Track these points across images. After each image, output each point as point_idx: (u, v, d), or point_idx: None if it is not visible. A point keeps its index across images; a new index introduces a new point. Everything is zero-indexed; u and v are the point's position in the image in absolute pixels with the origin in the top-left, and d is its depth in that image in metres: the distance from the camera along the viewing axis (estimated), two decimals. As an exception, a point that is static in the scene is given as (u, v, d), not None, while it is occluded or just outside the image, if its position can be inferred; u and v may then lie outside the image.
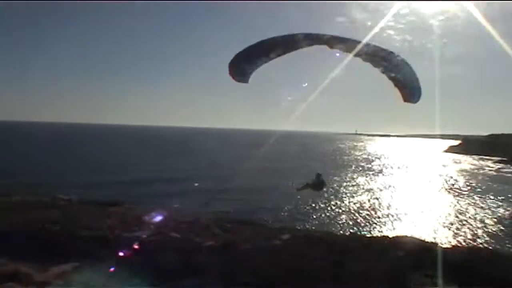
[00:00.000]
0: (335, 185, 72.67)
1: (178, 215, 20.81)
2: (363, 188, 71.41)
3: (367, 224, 46.51)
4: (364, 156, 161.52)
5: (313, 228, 39.71)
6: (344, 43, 12.04)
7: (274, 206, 50.10)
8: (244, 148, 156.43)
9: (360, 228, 44.09)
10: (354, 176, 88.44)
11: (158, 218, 18.12)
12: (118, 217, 17.98)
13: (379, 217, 49.31)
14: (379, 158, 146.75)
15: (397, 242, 15.14)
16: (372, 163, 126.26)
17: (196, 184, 58.38)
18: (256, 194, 56.88)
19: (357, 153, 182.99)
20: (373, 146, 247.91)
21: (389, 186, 75.45)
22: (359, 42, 12.06)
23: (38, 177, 60.22)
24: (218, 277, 13.42)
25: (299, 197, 56.26)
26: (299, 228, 21.57)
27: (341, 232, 38.58)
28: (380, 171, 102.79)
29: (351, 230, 41.97)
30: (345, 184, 75.59)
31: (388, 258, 13.65)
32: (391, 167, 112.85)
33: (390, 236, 18.55)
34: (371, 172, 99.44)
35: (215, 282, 13.23)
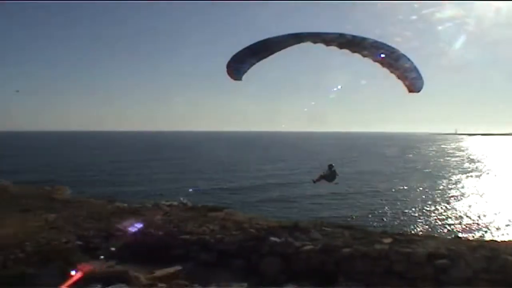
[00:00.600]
0: (441, 187, 69.69)
1: (277, 220, 21.02)
2: (472, 191, 67.65)
3: (475, 227, 44.02)
4: (470, 156, 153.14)
5: (417, 232, 38.37)
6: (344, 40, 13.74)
7: (375, 210, 49.01)
8: (339, 151, 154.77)
9: (467, 232, 41.83)
10: (462, 178, 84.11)
11: (257, 222, 18.38)
12: (219, 221, 18.47)
13: (489, 221, 46.48)
14: (485, 159, 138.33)
15: (508, 247, 14.19)
16: (478, 164, 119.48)
17: (296, 189, 58.61)
18: (356, 198, 55.94)
19: (461, 153, 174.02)
20: (477, 146, 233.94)
21: (500, 188, 70.86)
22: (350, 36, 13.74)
23: (142, 185, 63.60)
24: (319, 281, 13.38)
25: (404, 200, 54.70)
26: (401, 231, 20.81)
27: (447, 236, 36.85)
28: (489, 173, 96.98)
29: (458, 234, 39.96)
30: (452, 186, 72.14)
31: (498, 263, 12.85)
32: (500, 168, 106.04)
33: (500, 240, 17.50)
34: (478, 174, 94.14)
35: (315, 287, 13.20)
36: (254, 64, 14.54)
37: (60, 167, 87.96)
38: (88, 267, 10.53)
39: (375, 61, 14.92)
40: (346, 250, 14.05)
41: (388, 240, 14.74)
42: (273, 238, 15.20)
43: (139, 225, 17.68)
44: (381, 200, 54.93)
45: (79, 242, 15.89)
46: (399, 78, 15.08)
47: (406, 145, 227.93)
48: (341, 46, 14.56)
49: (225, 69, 15.05)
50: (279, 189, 60.61)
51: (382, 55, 14.53)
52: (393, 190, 63.93)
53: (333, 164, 20.65)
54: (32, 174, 70.15)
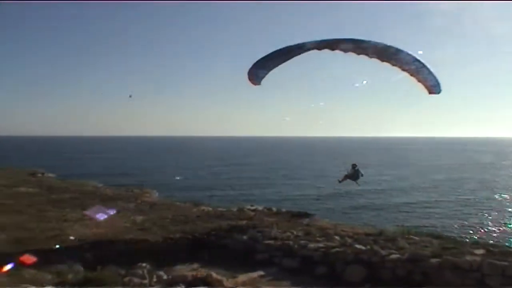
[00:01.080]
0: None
1: (362, 227, 20.54)
2: None
3: None
4: None
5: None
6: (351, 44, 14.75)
7: (467, 219, 46.55)
8: (433, 156, 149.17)
9: None
10: None
11: (342, 229, 18.03)
12: (303, 227, 18.31)
13: None
14: None
15: None
16: None
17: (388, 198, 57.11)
18: (446, 206, 53.46)
19: None
20: None
21: None
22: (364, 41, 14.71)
23: (227, 190, 64.61)
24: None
25: (499, 209, 51.70)
26: (495, 243, 19.53)
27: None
28: None
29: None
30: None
31: None
32: None
33: None
34: None
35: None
36: (271, 69, 15.68)
37: (149, 171, 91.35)
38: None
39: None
40: (435, 260, 13.38)
41: (480, 252, 13.88)
42: (358, 246, 14.81)
43: (224, 229, 17.92)
44: (474, 209, 52.10)
45: (165, 244, 16.29)
46: (419, 81, 16.02)
47: (499, 150, 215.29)
48: (371, 55, 15.50)
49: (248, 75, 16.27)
50: (365, 196, 59.19)
51: (413, 67, 15.63)
52: (488, 199, 60.51)
53: (357, 164, 21.81)
54: (123, 177, 73.40)
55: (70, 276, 10.60)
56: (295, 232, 17.07)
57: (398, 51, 15.46)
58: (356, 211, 48.29)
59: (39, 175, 39.54)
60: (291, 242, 15.71)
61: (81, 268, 12.66)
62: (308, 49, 15.13)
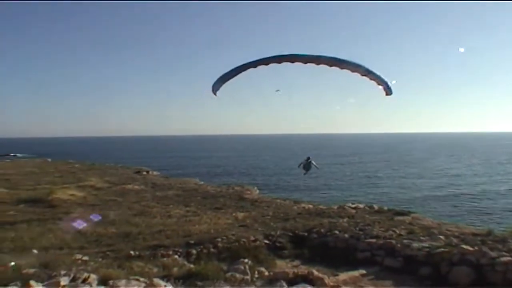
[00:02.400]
0: None
1: (468, 227, 19.50)
2: None
3: None
4: None
5: None
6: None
7: None
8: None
9: None
10: None
11: (447, 229, 17.25)
12: (406, 226, 17.76)
13: None
14: None
15: None
16: None
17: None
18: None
19: None
20: None
21: None
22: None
23: (328, 188, 63.94)
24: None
25: None
26: None
27: None
28: None
29: None
30: None
31: None
32: None
33: None
34: None
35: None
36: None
37: (249, 169, 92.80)
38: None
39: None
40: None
41: None
42: (464, 246, 14.05)
43: (325, 226, 17.76)
44: None
45: (266, 241, 16.46)
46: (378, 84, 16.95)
47: None
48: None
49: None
50: (472, 197, 56.01)
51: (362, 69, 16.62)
52: None
53: (310, 157, 23.95)
54: (224, 176, 75.19)
55: (175, 270, 11.00)
56: (397, 231, 16.61)
57: (346, 61, 16.53)
58: (459, 211, 45.91)
59: (144, 173, 42.30)
60: (393, 241, 15.27)
61: (186, 262, 13.11)
62: (264, 63, 16.50)
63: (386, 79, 17.02)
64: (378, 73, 16.81)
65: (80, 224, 18.77)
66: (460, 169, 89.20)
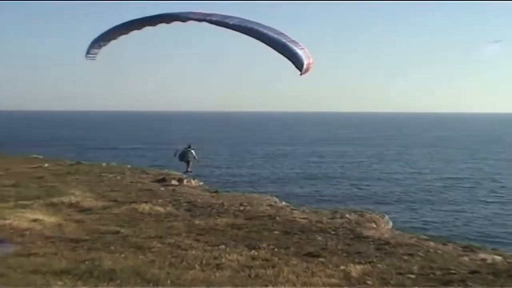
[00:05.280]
0: None
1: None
2: None
3: None
4: None
5: None
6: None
7: None
8: None
9: None
10: None
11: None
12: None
13: None
14: None
15: None
16: None
17: None
18: None
19: None
20: None
21: None
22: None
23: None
24: None
25: None
26: None
27: None
28: None
29: None
30: None
31: None
32: None
33: None
34: None
35: None
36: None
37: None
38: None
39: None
40: None
41: None
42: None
43: None
44: None
45: None
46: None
47: None
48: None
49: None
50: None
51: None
52: None
53: (191, 146, 25.16)
54: (325, 192, 61.17)
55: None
56: None
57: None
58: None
59: (174, 182, 27.31)
60: None
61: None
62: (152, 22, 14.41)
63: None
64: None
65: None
66: None
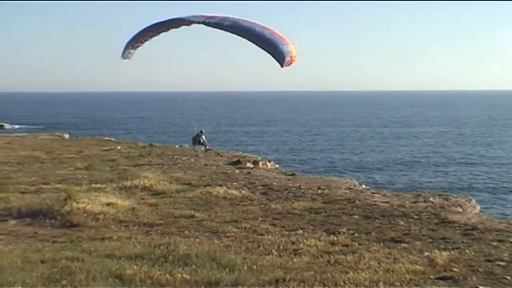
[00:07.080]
0: None
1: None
2: None
3: None
4: None
5: None
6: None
7: None
8: None
9: None
10: None
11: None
12: None
13: None
14: None
15: None
16: None
17: None
18: None
19: None
20: None
21: None
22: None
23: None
24: None
25: None
26: None
27: None
28: None
29: None
30: None
31: None
32: None
33: None
34: None
35: None
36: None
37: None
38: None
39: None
40: None
41: None
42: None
43: None
44: None
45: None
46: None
47: None
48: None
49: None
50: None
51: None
52: None
53: (203, 131, 26.19)
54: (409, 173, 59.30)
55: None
56: None
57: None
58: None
59: (249, 165, 27.39)
60: None
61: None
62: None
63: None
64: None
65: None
66: None
